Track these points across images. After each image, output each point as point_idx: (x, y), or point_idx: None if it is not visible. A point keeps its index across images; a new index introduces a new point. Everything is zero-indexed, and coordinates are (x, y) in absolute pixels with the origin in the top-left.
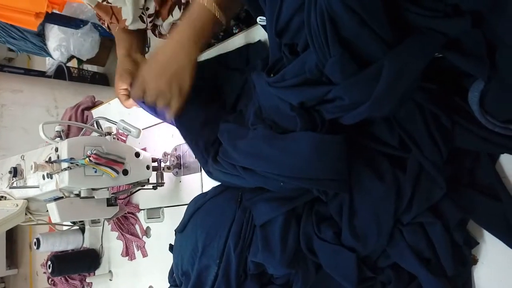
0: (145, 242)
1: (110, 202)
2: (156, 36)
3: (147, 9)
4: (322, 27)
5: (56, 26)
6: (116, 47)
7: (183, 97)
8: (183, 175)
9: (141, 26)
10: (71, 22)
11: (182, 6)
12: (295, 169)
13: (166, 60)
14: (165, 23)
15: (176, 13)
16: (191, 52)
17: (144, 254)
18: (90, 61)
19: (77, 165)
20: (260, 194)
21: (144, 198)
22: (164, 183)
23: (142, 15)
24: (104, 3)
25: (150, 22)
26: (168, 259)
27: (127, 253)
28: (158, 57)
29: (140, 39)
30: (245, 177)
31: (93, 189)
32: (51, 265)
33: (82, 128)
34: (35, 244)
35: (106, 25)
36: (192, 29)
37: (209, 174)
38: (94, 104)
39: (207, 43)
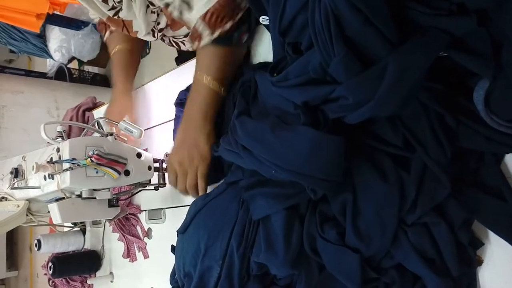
0: (146, 243)
1: (111, 203)
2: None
3: (158, 23)
4: (327, 25)
5: (57, 27)
6: (112, 72)
7: (206, 163)
8: None
9: (151, 39)
10: (72, 24)
11: None
12: (288, 161)
13: (183, 137)
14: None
15: (184, 30)
16: (202, 126)
17: (146, 256)
18: (90, 63)
19: (79, 165)
20: (260, 188)
21: (145, 199)
22: (166, 184)
23: (154, 29)
24: (115, 17)
25: (160, 35)
26: (170, 261)
27: (128, 254)
28: (177, 138)
29: (136, 62)
30: (243, 156)
31: (94, 190)
32: (52, 267)
33: (83, 129)
34: (35, 246)
35: (104, 38)
36: (200, 110)
37: (214, 150)
38: (95, 105)
39: (216, 114)
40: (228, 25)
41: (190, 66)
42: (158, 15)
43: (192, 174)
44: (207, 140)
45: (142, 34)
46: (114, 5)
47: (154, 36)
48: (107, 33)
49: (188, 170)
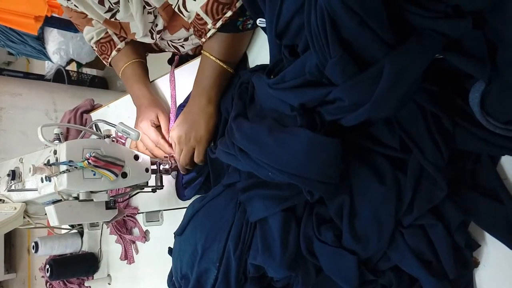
0: (144, 246)
1: (109, 205)
2: (163, 46)
3: (156, 25)
4: (323, 28)
5: (55, 30)
6: (126, 84)
7: (203, 144)
8: None
9: (150, 41)
10: (71, 26)
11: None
12: (285, 163)
13: (186, 113)
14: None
15: (182, 32)
16: (205, 106)
17: (143, 258)
18: (89, 65)
19: (76, 167)
20: (256, 190)
21: (143, 201)
22: (163, 186)
23: (152, 31)
24: (112, 19)
25: (158, 37)
26: (167, 263)
27: (126, 256)
28: (182, 113)
29: (147, 73)
30: (240, 158)
31: (92, 192)
32: (49, 269)
33: (81, 131)
34: (33, 248)
35: (109, 58)
36: (205, 88)
37: (211, 152)
38: (93, 107)
39: (221, 92)
40: (228, 14)
41: (186, 69)
42: (155, 16)
43: (186, 153)
44: (207, 122)
45: (140, 35)
46: (111, 6)
47: (152, 38)
48: (114, 52)
49: (183, 148)
